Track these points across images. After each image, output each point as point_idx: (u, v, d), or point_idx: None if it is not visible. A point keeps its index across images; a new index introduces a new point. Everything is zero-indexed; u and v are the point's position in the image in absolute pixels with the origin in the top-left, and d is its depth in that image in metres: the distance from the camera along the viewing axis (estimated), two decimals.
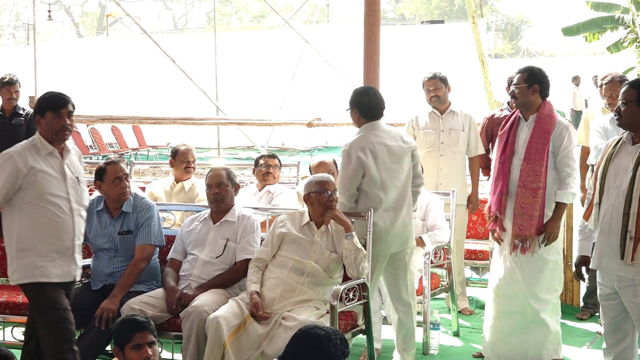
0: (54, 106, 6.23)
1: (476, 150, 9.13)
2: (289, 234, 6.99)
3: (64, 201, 6.22)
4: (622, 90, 5.89)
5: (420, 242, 8.16)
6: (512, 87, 7.21)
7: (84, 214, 6.46)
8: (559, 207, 7.14)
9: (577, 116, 26.04)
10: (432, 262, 7.95)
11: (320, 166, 8.75)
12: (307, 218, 7.05)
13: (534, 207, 7.05)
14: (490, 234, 7.43)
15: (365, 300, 6.93)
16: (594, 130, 8.31)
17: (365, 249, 6.92)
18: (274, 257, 6.99)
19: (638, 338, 6.08)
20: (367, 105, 7.34)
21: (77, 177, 6.36)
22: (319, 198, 6.97)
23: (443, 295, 8.95)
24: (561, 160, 7.12)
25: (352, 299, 6.79)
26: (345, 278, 7.00)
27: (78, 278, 6.46)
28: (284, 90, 20.40)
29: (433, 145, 9.18)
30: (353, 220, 7.04)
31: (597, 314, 6.22)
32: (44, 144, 6.22)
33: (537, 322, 7.22)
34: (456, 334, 8.51)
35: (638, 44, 20.43)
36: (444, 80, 9.20)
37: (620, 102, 5.86)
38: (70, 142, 6.44)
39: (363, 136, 7.22)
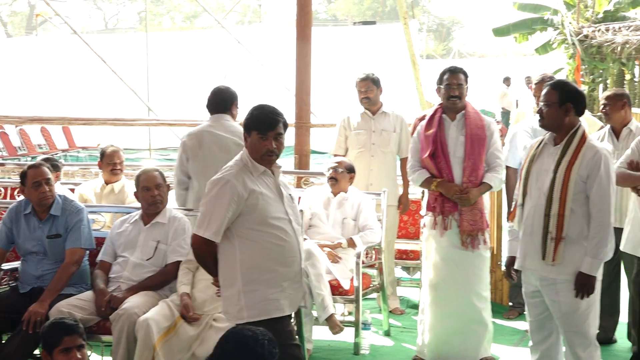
0: (260, 127, 5.57)
1: (407, 151, 9.17)
2: None
3: (286, 222, 5.58)
4: (544, 91, 5.99)
5: (351, 243, 8.19)
6: (453, 89, 7.30)
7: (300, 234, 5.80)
8: (484, 185, 7.32)
9: (506, 116, 26.30)
10: (363, 263, 7.97)
11: None
12: None
13: (481, 201, 7.21)
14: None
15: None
16: (523, 130, 8.42)
17: None
18: None
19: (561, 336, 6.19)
20: (210, 100, 7.98)
21: (290, 195, 5.74)
22: None
23: (374, 295, 8.99)
24: (492, 154, 7.36)
25: None
26: None
27: (303, 304, 5.83)
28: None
29: (364, 145, 9.21)
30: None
31: (525, 312, 6.32)
32: (254, 165, 5.57)
33: (478, 321, 7.32)
34: (387, 334, 8.55)
35: (567, 45, 20.68)
36: (375, 82, 9.24)
37: (542, 103, 5.95)
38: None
39: (200, 126, 7.94)
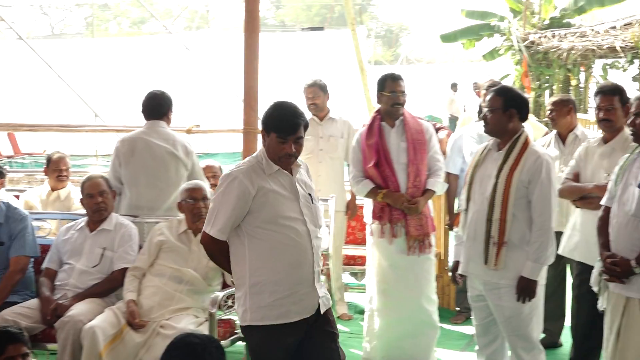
0: (280, 130, 5.24)
1: None
2: (167, 242, 6.95)
3: (299, 223, 5.25)
4: (488, 97, 6.06)
5: None
6: (398, 96, 7.33)
7: (321, 236, 5.46)
8: (428, 192, 7.40)
9: (454, 123, 26.47)
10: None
11: (206, 169, 8.70)
12: (184, 226, 7.03)
13: (426, 206, 7.25)
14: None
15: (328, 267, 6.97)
16: (469, 136, 8.47)
17: None
18: (152, 266, 6.94)
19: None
20: (145, 105, 7.94)
21: (310, 194, 5.41)
22: (188, 206, 6.98)
23: None
24: (432, 157, 7.43)
25: (231, 306, 6.78)
26: (225, 285, 6.99)
27: (323, 309, 5.36)
28: None
29: (312, 151, 9.22)
30: None
31: (471, 317, 6.38)
32: (269, 163, 5.28)
33: (429, 324, 7.38)
34: None
35: (514, 52, 20.85)
36: (322, 88, 9.25)
37: (486, 109, 6.01)
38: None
39: (134, 132, 7.90)
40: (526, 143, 5.96)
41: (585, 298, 6.85)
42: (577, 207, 6.36)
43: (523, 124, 6.07)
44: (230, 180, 5.19)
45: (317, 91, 9.23)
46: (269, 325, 5.17)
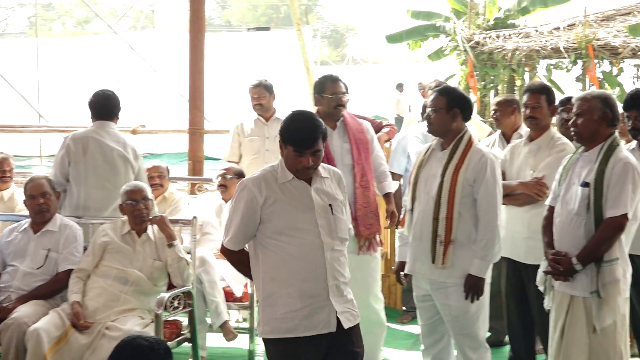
0: (297, 144, 5.01)
1: None
2: (111, 243, 6.92)
3: (312, 234, 5.00)
4: (432, 97, 6.10)
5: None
6: (340, 98, 7.32)
7: (341, 248, 5.17)
8: (389, 195, 7.52)
9: (400, 123, 26.57)
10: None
11: (152, 169, 8.65)
12: (128, 227, 7.01)
13: (374, 204, 7.28)
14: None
15: (191, 309, 6.94)
16: (413, 136, 8.51)
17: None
18: (97, 267, 6.90)
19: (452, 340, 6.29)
20: (95, 105, 7.91)
21: (330, 205, 5.11)
22: (129, 208, 6.97)
23: None
24: (377, 156, 7.47)
25: (177, 307, 6.77)
26: (170, 286, 6.97)
27: (346, 325, 5.08)
28: None
29: (258, 152, 9.22)
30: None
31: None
32: (284, 171, 5.09)
33: (377, 322, 7.41)
34: None
35: (459, 52, 20.95)
36: (268, 88, 9.25)
37: (429, 109, 6.06)
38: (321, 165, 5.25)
39: (85, 131, 7.86)
40: (470, 142, 6.02)
41: (513, 294, 6.93)
42: (502, 204, 6.43)
43: (466, 123, 6.12)
44: (241, 189, 5.07)
45: (263, 91, 9.23)
46: (283, 338, 4.98)
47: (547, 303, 5.91)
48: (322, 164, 5.18)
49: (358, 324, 5.19)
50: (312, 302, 4.97)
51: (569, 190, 5.78)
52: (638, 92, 6.79)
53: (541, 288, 5.93)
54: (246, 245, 5.16)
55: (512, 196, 6.71)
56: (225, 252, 5.19)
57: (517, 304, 6.91)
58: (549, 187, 6.37)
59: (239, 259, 5.21)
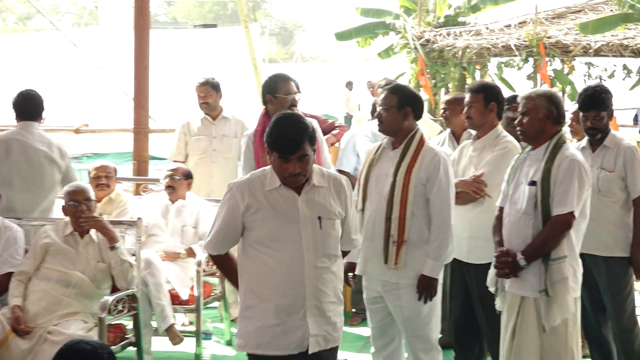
0: (281, 149, 4.79)
1: None
2: (53, 245, 6.86)
3: (293, 247, 4.81)
4: (382, 95, 6.11)
5: (190, 253, 8.15)
6: (294, 97, 7.33)
7: (328, 266, 4.92)
8: None
9: (349, 121, 26.63)
10: (204, 271, 7.95)
11: (100, 169, 8.58)
12: (70, 228, 6.96)
13: None
14: None
15: (135, 312, 6.90)
16: (363, 135, 8.51)
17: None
18: (38, 270, 6.84)
19: (403, 342, 6.30)
20: (20, 105, 7.88)
21: (320, 217, 4.88)
22: (71, 209, 6.93)
23: (216, 304, 8.96)
24: (324, 160, 7.48)
25: (122, 311, 6.74)
26: (114, 289, 6.93)
27: (312, 349, 4.86)
28: (51, 96, 19.93)
29: (205, 152, 9.19)
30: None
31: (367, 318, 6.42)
32: (272, 177, 4.90)
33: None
34: (229, 343, 8.52)
35: (409, 50, 21.03)
36: (215, 87, 9.22)
37: (380, 107, 6.07)
38: (319, 172, 5.04)
39: (8, 132, 7.86)
40: (422, 141, 6.04)
41: (458, 294, 6.96)
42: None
43: (417, 122, 6.14)
44: (226, 192, 4.95)
45: (209, 90, 9.20)
46: (254, 354, 4.91)
47: (498, 304, 5.95)
48: (325, 170, 5.07)
49: (335, 347, 5.06)
50: (287, 320, 4.81)
51: (517, 190, 5.83)
52: (596, 92, 6.85)
53: (492, 289, 5.96)
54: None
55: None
56: (212, 257, 5.16)
57: (461, 304, 6.94)
58: (487, 184, 6.44)
59: (221, 263, 5.17)
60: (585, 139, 6.93)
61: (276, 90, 7.20)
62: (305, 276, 4.81)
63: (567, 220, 5.59)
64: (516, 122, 5.95)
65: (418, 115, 6.09)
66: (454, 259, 6.62)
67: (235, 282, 5.08)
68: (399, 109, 6.00)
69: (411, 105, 6.04)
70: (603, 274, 6.79)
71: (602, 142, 6.83)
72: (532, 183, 5.71)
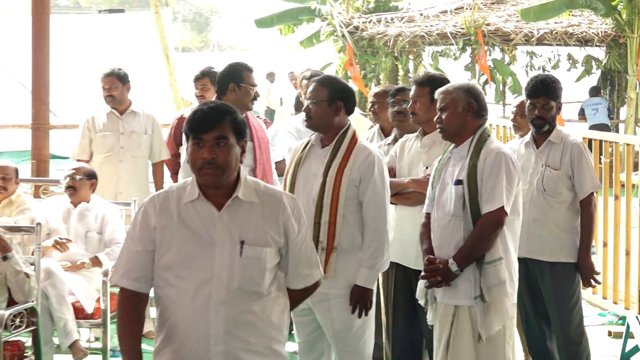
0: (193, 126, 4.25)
1: (160, 154, 9.15)
2: None
3: (200, 282, 4.18)
4: (311, 88, 6.04)
5: (96, 262, 8.05)
6: (256, 90, 7.36)
7: (247, 304, 4.25)
8: None
9: (271, 116, 26.60)
10: (111, 282, 7.89)
11: None
12: None
13: None
14: None
15: (35, 327, 6.83)
16: (286, 131, 8.49)
17: None
18: None
19: (333, 357, 6.29)
20: None
21: (242, 242, 4.24)
22: None
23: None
24: (274, 172, 7.55)
25: (19, 326, 6.67)
26: (11, 302, 6.85)
27: None
28: None
29: (112, 149, 9.10)
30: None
31: (294, 332, 6.37)
32: (192, 187, 4.31)
33: None
34: None
35: (336, 38, 21.05)
36: (121, 78, 9.12)
37: (309, 101, 6.02)
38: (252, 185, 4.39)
39: None
40: (354, 138, 5.99)
41: (402, 304, 6.96)
42: (391, 203, 6.44)
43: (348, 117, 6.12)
44: (140, 207, 4.39)
45: (115, 81, 9.10)
46: None
47: (430, 318, 5.95)
48: (263, 184, 4.46)
49: None
50: None
51: (443, 192, 5.82)
52: (548, 78, 6.91)
53: (422, 302, 5.95)
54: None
55: (402, 195, 6.65)
56: (120, 293, 4.44)
57: (406, 316, 6.93)
58: None
59: (129, 305, 4.37)
60: (529, 134, 6.97)
61: (241, 79, 7.29)
62: (211, 314, 4.18)
63: (498, 217, 5.59)
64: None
65: (350, 110, 6.04)
66: (399, 266, 6.60)
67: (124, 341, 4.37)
68: (329, 103, 5.94)
69: (343, 99, 5.99)
70: (548, 281, 6.82)
71: (547, 138, 6.88)
72: (458, 182, 5.69)
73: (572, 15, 20.74)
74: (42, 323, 7.03)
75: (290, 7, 22.24)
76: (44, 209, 8.36)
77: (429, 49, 20.04)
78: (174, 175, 9.18)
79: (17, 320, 6.64)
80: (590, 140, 9.52)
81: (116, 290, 8.11)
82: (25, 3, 12.60)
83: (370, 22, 20.32)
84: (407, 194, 6.37)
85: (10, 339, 6.68)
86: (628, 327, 7.88)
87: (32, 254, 7.32)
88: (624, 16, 18.86)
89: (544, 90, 6.80)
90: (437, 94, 5.92)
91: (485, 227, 5.60)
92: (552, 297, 6.83)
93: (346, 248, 5.89)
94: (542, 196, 6.71)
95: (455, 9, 20.22)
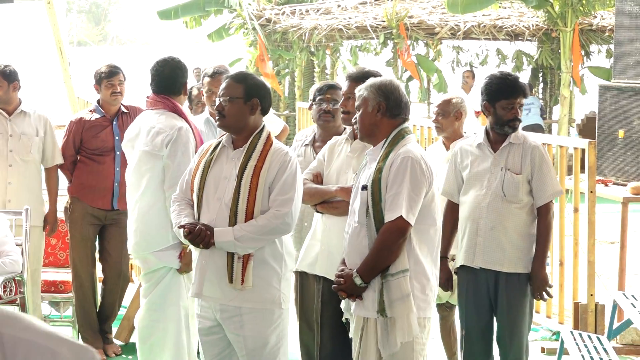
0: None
1: (54, 159, 9.02)
2: None
3: None
4: (225, 85, 6.01)
5: None
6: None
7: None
8: None
9: None
10: (0, 298, 7.78)
11: None
12: None
13: None
14: None
15: (22, 296, 6.83)
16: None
17: None
18: None
19: None
20: None
21: None
22: None
23: None
24: None
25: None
26: None
27: None
28: None
29: (0, 153, 8.97)
30: None
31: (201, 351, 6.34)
32: None
33: None
34: None
35: (246, 31, 20.99)
36: (7, 76, 8.97)
37: (222, 98, 5.97)
38: None
39: None
40: (269, 139, 5.99)
41: (330, 321, 6.94)
42: (317, 212, 6.42)
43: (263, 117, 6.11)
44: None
45: (0, 80, 8.98)
46: None
47: (351, 332, 5.95)
48: None
49: None
50: None
51: (355, 199, 5.82)
52: (516, 75, 6.96)
53: (347, 315, 5.96)
54: None
55: (329, 204, 6.65)
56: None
57: (332, 333, 6.92)
58: None
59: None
60: (482, 135, 6.93)
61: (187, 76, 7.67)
62: None
63: (398, 227, 5.59)
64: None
65: (265, 110, 6.04)
66: (326, 281, 6.58)
67: None
68: (245, 100, 5.94)
69: (260, 96, 5.98)
70: (503, 293, 6.79)
71: (506, 139, 6.84)
72: (364, 187, 5.70)
73: (502, 7, 20.93)
74: None
75: None
76: None
77: (348, 44, 20.09)
78: (71, 185, 9.04)
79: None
80: None
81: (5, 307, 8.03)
82: None
83: (283, 14, 20.31)
84: (335, 203, 6.37)
85: None
86: (562, 342, 7.90)
87: None
88: (556, 9, 19.06)
89: (521, 90, 6.84)
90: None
91: (386, 237, 5.60)
92: (504, 310, 6.80)
93: (262, 257, 5.89)
94: (501, 202, 6.67)
95: (376, 0, 20.28)
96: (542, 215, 6.77)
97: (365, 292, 5.66)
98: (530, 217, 6.79)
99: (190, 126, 7.34)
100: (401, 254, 5.61)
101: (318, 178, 6.53)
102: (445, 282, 6.85)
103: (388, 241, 5.59)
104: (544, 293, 6.82)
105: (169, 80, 7.50)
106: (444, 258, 6.74)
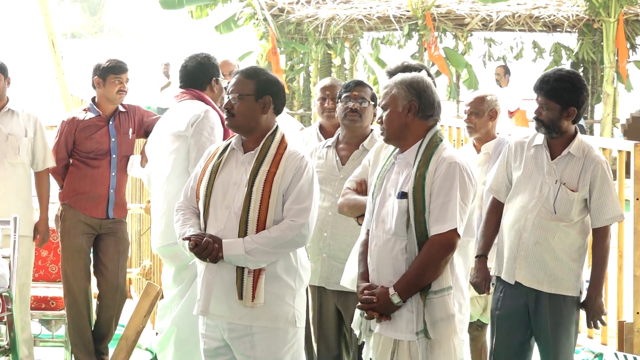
0: None
1: (45, 162, 8.99)
2: None
3: None
4: (234, 80, 5.98)
5: None
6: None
7: None
8: None
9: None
10: None
11: None
12: None
13: None
14: None
15: (10, 313, 7.13)
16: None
17: None
18: None
19: None
20: None
21: None
22: None
23: (2, 358, 8.77)
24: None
25: None
26: None
27: None
28: None
29: None
30: None
31: None
32: None
33: None
34: None
35: (256, 21, 20.98)
36: (3, 70, 9.00)
37: (231, 96, 5.94)
38: None
39: None
40: (283, 142, 5.95)
41: (327, 333, 6.91)
42: (360, 225, 6.38)
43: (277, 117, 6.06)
44: None
45: None
46: None
47: (365, 353, 5.90)
48: None
49: None
50: None
51: (384, 205, 5.75)
52: (564, 76, 6.55)
53: (357, 332, 5.92)
54: None
55: None
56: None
57: (331, 345, 6.89)
58: None
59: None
60: (542, 135, 6.74)
61: (218, 73, 7.86)
62: None
63: (449, 241, 5.55)
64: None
65: (279, 109, 6.00)
66: (329, 291, 6.57)
67: None
68: (257, 98, 5.91)
69: (272, 94, 5.95)
70: (545, 314, 6.69)
71: (566, 148, 6.60)
72: (402, 195, 5.63)
73: None
74: None
75: None
76: None
77: (368, 35, 20.06)
78: (62, 192, 9.03)
79: None
80: None
81: None
82: None
83: (297, 3, 20.31)
84: None
85: None
86: None
87: None
88: None
89: (545, 89, 6.55)
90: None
91: (433, 252, 5.54)
92: (547, 330, 6.71)
93: (275, 272, 5.86)
94: (550, 217, 6.54)
95: None
96: (600, 238, 6.63)
97: (399, 312, 5.61)
98: (580, 236, 6.61)
99: (219, 114, 7.47)
100: (445, 270, 5.57)
101: (362, 185, 6.52)
102: (482, 283, 6.79)
103: (436, 256, 5.53)
104: (597, 322, 6.77)
105: (193, 75, 7.80)
106: (483, 257, 6.73)
